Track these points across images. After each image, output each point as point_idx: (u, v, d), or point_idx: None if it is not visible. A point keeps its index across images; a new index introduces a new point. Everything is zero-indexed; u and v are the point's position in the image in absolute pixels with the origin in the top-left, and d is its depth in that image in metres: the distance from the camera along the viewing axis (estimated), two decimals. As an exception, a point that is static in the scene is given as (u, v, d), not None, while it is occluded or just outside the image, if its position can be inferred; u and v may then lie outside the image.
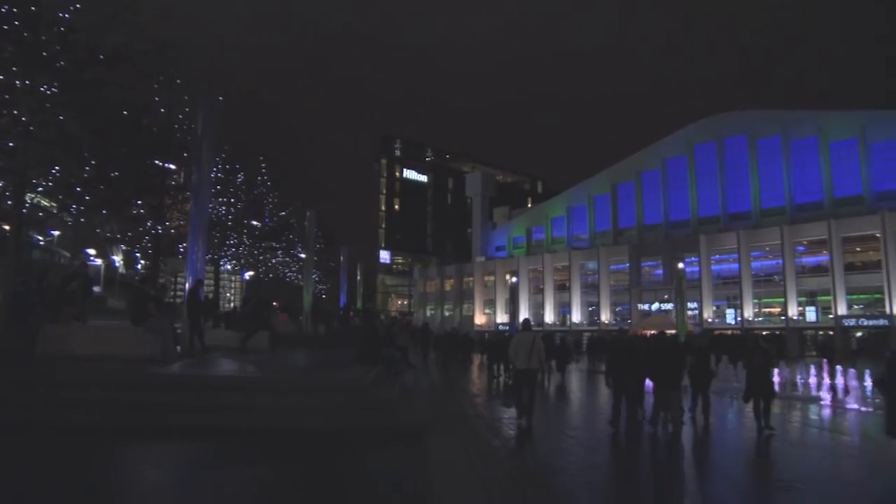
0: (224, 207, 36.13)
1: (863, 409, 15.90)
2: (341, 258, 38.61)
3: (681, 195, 68.97)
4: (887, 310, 49.51)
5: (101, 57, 16.44)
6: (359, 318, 31.97)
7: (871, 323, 50.86)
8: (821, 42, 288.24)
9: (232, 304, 62.51)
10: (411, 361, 21.45)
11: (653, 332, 16.45)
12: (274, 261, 47.82)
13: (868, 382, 20.38)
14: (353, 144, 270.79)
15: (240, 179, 38.42)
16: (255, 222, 40.99)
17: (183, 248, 27.79)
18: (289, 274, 50.83)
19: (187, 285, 14.90)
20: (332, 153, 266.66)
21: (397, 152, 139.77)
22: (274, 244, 45.14)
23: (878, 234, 50.85)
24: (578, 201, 78.92)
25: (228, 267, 47.04)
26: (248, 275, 49.50)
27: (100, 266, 38.44)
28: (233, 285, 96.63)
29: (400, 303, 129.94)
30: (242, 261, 43.61)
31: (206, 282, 19.66)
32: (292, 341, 21.29)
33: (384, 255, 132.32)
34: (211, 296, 33.37)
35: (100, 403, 9.23)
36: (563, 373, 24.05)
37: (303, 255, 39.19)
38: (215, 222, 34.03)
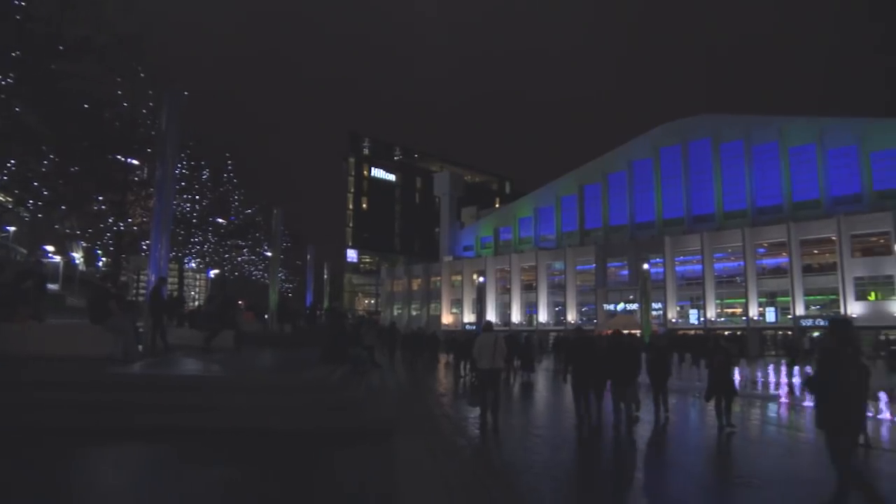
0: (189, 204, 35.57)
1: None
2: (308, 257, 38.29)
3: (646, 197, 70.02)
4: (842, 310, 50.90)
5: (61, 48, 16.03)
6: (326, 317, 31.78)
7: (826, 323, 52.10)
8: (789, 49, 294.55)
9: (196, 303, 61.58)
10: (378, 361, 21.35)
11: (610, 331, 17.01)
12: (240, 259, 47.27)
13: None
14: (321, 142, 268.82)
15: (205, 176, 37.86)
16: (220, 220, 40.42)
17: (146, 245, 27.32)
18: (255, 272, 50.29)
19: (150, 283, 14.63)
20: (300, 151, 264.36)
21: (365, 151, 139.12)
22: (240, 242, 44.60)
23: (833, 237, 52.25)
24: (546, 202, 79.53)
25: (193, 265, 46.39)
26: (213, 273, 48.83)
27: (58, 263, 37.46)
28: (197, 283, 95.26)
29: (367, 302, 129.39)
30: (207, 259, 43.01)
31: (169, 280, 19.31)
32: (258, 340, 21.04)
33: (351, 254, 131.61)
34: (175, 294, 32.86)
35: (57, 404, 8.98)
36: (527, 372, 24.20)
37: (269, 254, 38.82)
38: (180, 219, 33.49)
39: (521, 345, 25.35)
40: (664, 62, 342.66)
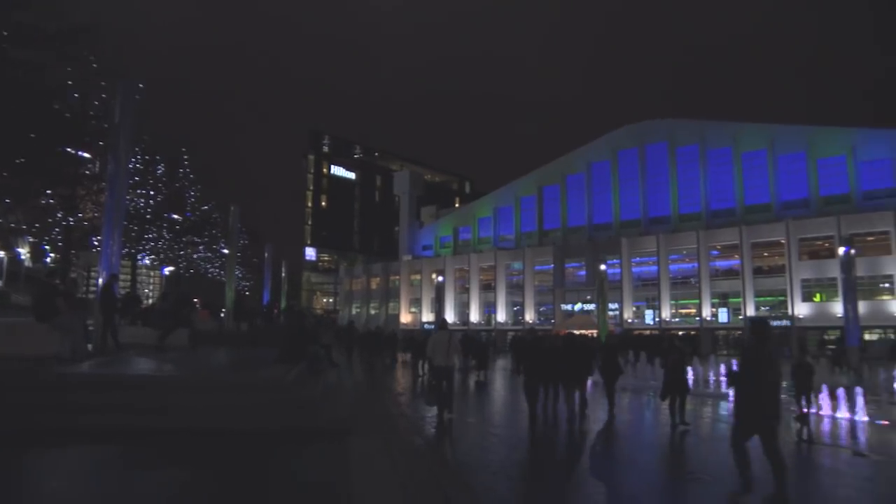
0: (143, 200, 34.79)
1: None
2: (266, 254, 37.81)
3: (604, 199, 71.03)
4: (790, 311, 52.50)
5: (5, 34, 15.44)
6: (285, 316, 31.38)
7: (775, 324, 53.69)
8: (751, 57, 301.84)
9: (150, 300, 60.18)
10: (335, 360, 21.17)
11: (564, 332, 17.95)
12: (195, 256, 46.39)
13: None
14: (281, 139, 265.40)
15: (160, 171, 37.07)
16: (175, 216, 39.63)
17: (97, 241, 26.58)
18: (211, 270, 49.39)
19: (101, 280, 14.21)
20: (260, 147, 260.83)
21: (325, 148, 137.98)
22: (195, 239, 43.80)
23: (782, 241, 53.83)
24: (505, 202, 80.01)
25: (147, 262, 45.37)
26: (167, 270, 47.84)
27: (2, 259, 36.19)
28: (152, 281, 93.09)
29: (325, 301, 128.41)
30: (162, 255, 42.13)
31: (121, 277, 18.81)
32: (214, 339, 20.66)
33: (310, 253, 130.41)
34: (130, 291, 32.04)
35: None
36: (482, 371, 24.37)
37: (226, 251, 38.18)
38: (133, 215, 32.75)
39: (477, 344, 25.54)
40: (625, 67, 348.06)
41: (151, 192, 35.65)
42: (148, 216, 35.46)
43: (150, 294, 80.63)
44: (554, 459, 10.14)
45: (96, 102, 24.61)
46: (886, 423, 13.43)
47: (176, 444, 8.32)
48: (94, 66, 22.15)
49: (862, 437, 12.13)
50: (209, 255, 47.41)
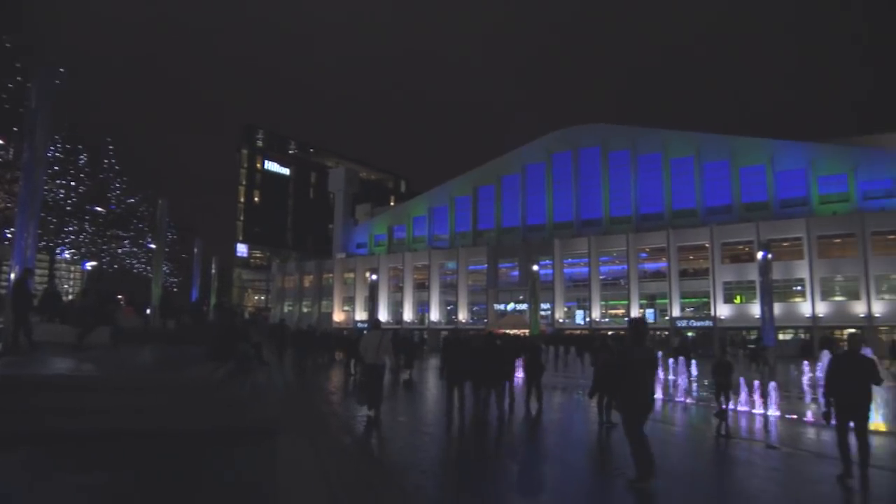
0: (63, 190, 33.25)
1: (688, 401, 17.33)
2: (195, 250, 36.73)
3: (538, 200, 72.17)
4: (712, 312, 54.66)
5: None
6: (215, 313, 30.54)
7: (699, 324, 55.83)
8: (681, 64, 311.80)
9: (70, 296, 57.58)
10: (265, 359, 20.79)
11: (487, 332, 18.88)
12: (120, 251, 44.62)
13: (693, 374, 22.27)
14: (212, 132, 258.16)
15: (82, 161, 35.51)
16: (99, 208, 38.06)
17: (10, 233, 25.23)
18: (136, 265, 47.61)
19: (13, 275, 13.48)
20: (190, 140, 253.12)
21: (259, 143, 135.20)
22: (120, 233, 42.18)
23: (707, 245, 55.97)
24: (440, 202, 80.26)
25: (67, 256, 43.37)
26: (89, 265, 45.85)
27: None
28: (72, 276, 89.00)
29: (257, 298, 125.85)
30: (83, 250, 40.33)
31: (38, 272, 17.92)
32: (139, 337, 19.92)
33: (242, 249, 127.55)
34: (47, 287, 30.55)
35: None
36: (411, 370, 24.50)
37: (152, 246, 36.94)
38: (52, 206, 31.27)
39: (407, 343, 25.75)
40: (564, 73, 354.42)
41: (73, 183, 34.13)
42: (69, 208, 33.92)
43: (71, 290, 77.10)
44: (484, 457, 10.22)
45: (10, 85, 23.36)
46: (795, 417, 14.13)
47: (93, 448, 7.97)
48: (7, 45, 21.02)
49: (774, 430, 12.72)
50: (135, 249, 45.69)
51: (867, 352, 9.09)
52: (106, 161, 38.46)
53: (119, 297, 28.36)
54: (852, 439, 8.20)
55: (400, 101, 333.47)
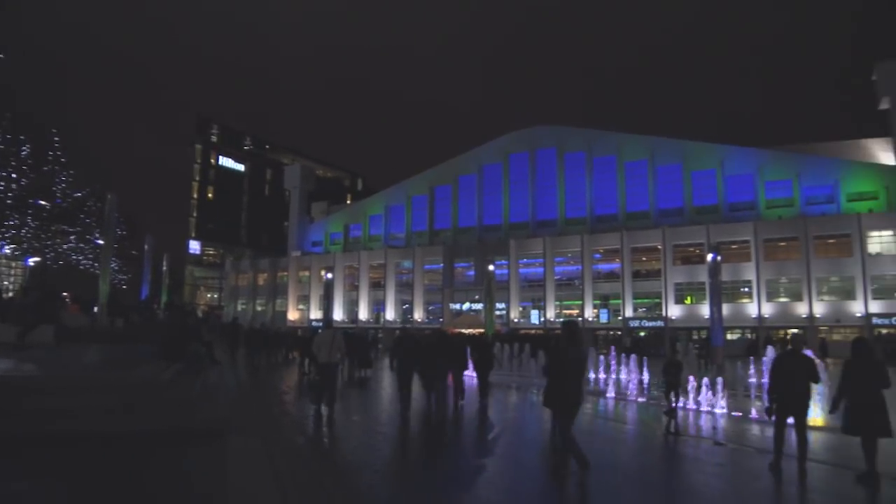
0: (2, 183, 32.07)
1: (640, 399, 17.67)
2: (145, 246, 35.81)
3: (495, 200, 72.65)
4: (664, 313, 55.84)
5: None
6: (167, 312, 29.84)
7: (651, 324, 56.97)
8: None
9: (10, 294, 55.55)
10: (217, 358, 20.44)
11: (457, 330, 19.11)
12: (65, 246, 43.18)
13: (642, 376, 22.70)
14: (165, 125, 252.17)
15: (24, 153, 34.30)
16: (43, 202, 36.78)
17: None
18: (83, 262, 46.16)
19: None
20: (141, 134, 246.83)
21: (214, 138, 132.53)
22: (66, 228, 40.82)
23: (659, 247, 57.16)
24: (397, 201, 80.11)
25: (7, 251, 41.82)
26: (31, 261, 44.29)
27: None
28: (13, 272, 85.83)
29: (209, 296, 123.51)
30: (25, 245, 38.93)
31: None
32: (84, 336, 19.35)
33: (194, 246, 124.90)
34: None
35: None
36: (363, 368, 24.45)
37: (100, 242, 35.87)
38: (-9, 199, 30.13)
39: (360, 342, 25.80)
40: (523, 75, 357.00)
41: (14, 175, 32.93)
42: (9, 201, 32.74)
43: (11, 287, 74.43)
44: (436, 456, 10.25)
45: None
46: (741, 414, 14.54)
47: (31, 452, 7.71)
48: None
49: (721, 427, 13.07)
50: (81, 245, 44.27)
51: (808, 352, 9.47)
52: (51, 153, 37.19)
53: (64, 294, 27.51)
54: (791, 434, 8.63)
55: (358, 98, 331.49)
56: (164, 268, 46.45)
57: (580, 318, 59.61)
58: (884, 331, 47.06)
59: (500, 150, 72.95)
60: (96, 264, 39.28)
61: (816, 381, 8.82)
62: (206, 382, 13.86)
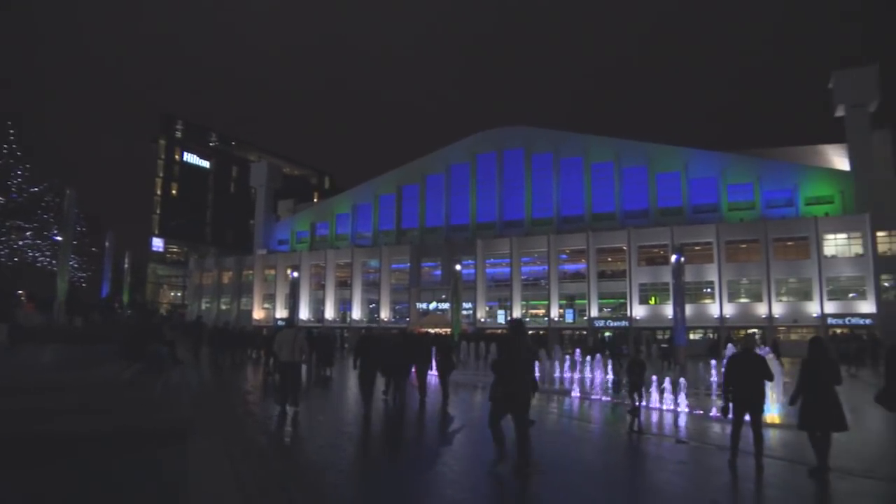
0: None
1: (604, 398, 17.87)
2: (106, 243, 35.13)
3: (462, 200, 72.80)
4: (629, 313, 56.57)
5: None
6: (131, 311, 29.29)
7: (615, 324, 57.65)
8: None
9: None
10: (180, 358, 20.12)
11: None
12: (21, 243, 42.02)
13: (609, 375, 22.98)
14: (127, 119, 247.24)
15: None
16: (-3, 197, 35.70)
17: None
18: (40, 258, 44.94)
19: None
20: (103, 128, 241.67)
21: (178, 134, 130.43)
22: (22, 223, 39.71)
23: (624, 247, 57.87)
24: (364, 199, 79.78)
25: (-44, 248, 40.55)
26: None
27: None
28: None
29: (173, 294, 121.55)
30: (-24, 241, 37.76)
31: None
32: (41, 335, 18.88)
33: (157, 243, 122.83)
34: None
35: None
36: (326, 367, 24.34)
37: (59, 238, 35.00)
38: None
39: (322, 341, 25.83)
40: (492, 76, 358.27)
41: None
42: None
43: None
44: (400, 455, 10.24)
45: None
46: (702, 412, 14.80)
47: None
48: None
49: (683, 426, 13.29)
50: (38, 242, 43.14)
51: (763, 351, 9.79)
52: (6, 146, 36.15)
53: (20, 292, 26.83)
54: (748, 431, 8.92)
55: (325, 94, 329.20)
56: (126, 265, 45.61)
57: (546, 319, 60.16)
58: (838, 331, 48.28)
59: (467, 150, 73.13)
60: (54, 261, 38.31)
61: (769, 378, 9.18)
62: (167, 382, 13.66)
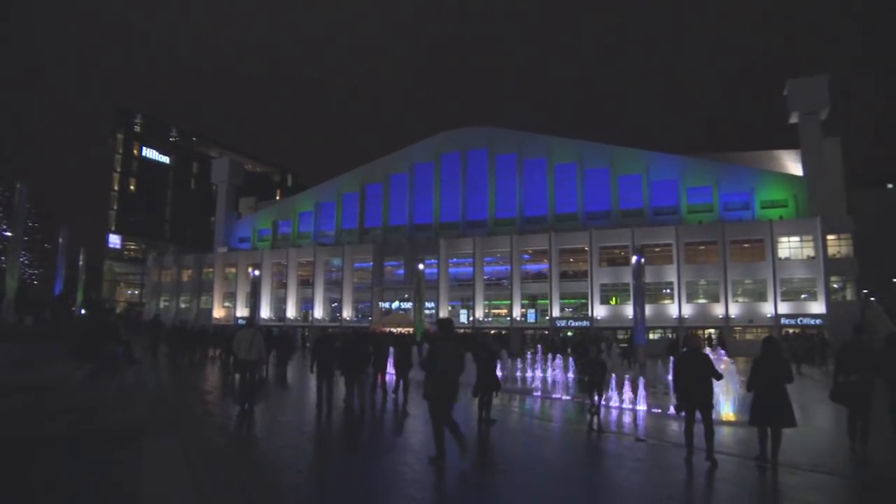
0: None
1: (564, 397, 18.06)
2: (60, 240, 34.19)
3: (426, 199, 72.78)
4: (590, 313, 57.22)
5: None
6: (87, 310, 28.54)
7: (577, 324, 58.26)
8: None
9: None
10: (136, 357, 19.70)
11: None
12: (-31, 238, 40.81)
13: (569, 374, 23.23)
14: (83, 112, 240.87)
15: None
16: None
17: None
18: (-13, 255, 43.67)
19: None
20: (59, 120, 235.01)
21: (137, 128, 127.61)
22: (-30, 218, 38.53)
23: (586, 248, 58.51)
24: (327, 198, 79.20)
25: None
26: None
27: None
28: None
29: (130, 292, 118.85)
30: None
31: None
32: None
33: (114, 240, 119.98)
34: None
35: None
36: (284, 366, 24.22)
37: (8, 234, 34.05)
38: None
39: (280, 340, 25.87)
40: (459, 75, 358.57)
41: None
42: None
43: None
44: (363, 455, 10.20)
45: None
46: (660, 410, 15.07)
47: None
48: None
49: (642, 424, 13.51)
50: (-12, 237, 41.98)
51: (720, 353, 10.09)
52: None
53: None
54: (700, 428, 9.15)
55: (290, 92, 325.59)
56: (81, 262, 44.48)
57: (509, 318, 60.50)
58: (791, 331, 49.59)
59: (431, 150, 73.13)
60: (3, 258, 37.24)
61: (717, 377, 9.46)
62: (122, 383, 13.36)
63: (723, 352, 18.88)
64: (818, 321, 49.97)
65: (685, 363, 9.49)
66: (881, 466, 9.60)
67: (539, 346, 32.00)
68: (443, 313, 63.24)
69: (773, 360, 9.12)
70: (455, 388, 8.90)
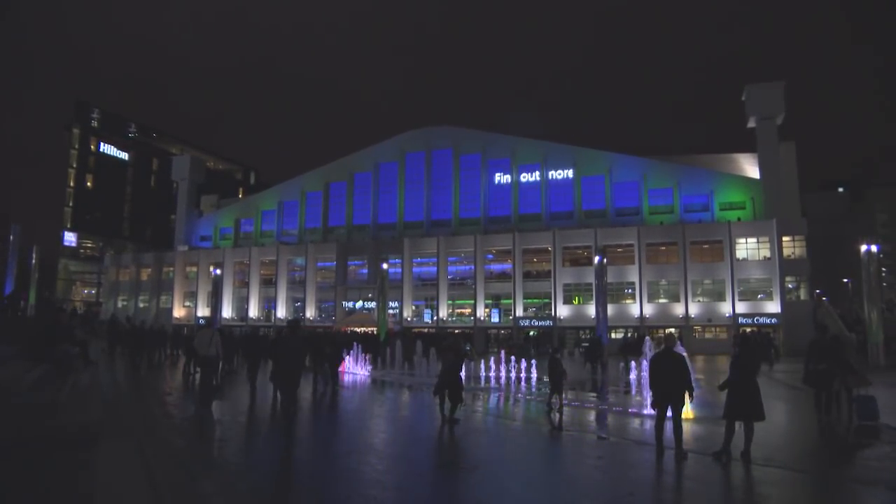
0: None
1: (527, 397, 18.18)
2: (11, 237, 33.26)
3: (390, 199, 72.60)
4: (553, 313, 57.70)
5: None
6: (38, 309, 27.78)
7: (540, 324, 58.73)
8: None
9: None
10: (92, 358, 19.22)
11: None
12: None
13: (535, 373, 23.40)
14: (39, 104, 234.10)
15: None
16: None
17: None
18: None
19: None
20: (9, 113, 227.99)
21: (94, 123, 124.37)
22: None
23: (549, 248, 58.99)
24: (291, 196, 78.45)
25: None
26: None
27: None
28: None
29: (86, 292, 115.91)
30: None
31: None
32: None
33: (70, 238, 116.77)
34: None
35: None
36: (256, 369, 23.82)
37: (-43, 231, 32.94)
38: None
39: (241, 340, 25.57)
40: (421, 72, 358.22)
41: None
42: None
43: None
44: (325, 456, 10.11)
45: None
46: (622, 409, 15.26)
47: None
48: None
49: (603, 422, 13.66)
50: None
51: (681, 349, 10.35)
52: None
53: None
54: (669, 425, 9.40)
55: (253, 88, 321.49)
56: (34, 260, 43.25)
57: (472, 318, 60.68)
58: (747, 329, 50.73)
59: (396, 149, 72.96)
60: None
61: (688, 381, 9.69)
62: (77, 384, 13.02)
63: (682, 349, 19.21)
64: (774, 320, 51.25)
65: (660, 362, 9.70)
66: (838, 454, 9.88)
67: (502, 350, 32.09)
68: (406, 313, 63.22)
69: (750, 357, 9.53)
70: (298, 376, 10.90)
